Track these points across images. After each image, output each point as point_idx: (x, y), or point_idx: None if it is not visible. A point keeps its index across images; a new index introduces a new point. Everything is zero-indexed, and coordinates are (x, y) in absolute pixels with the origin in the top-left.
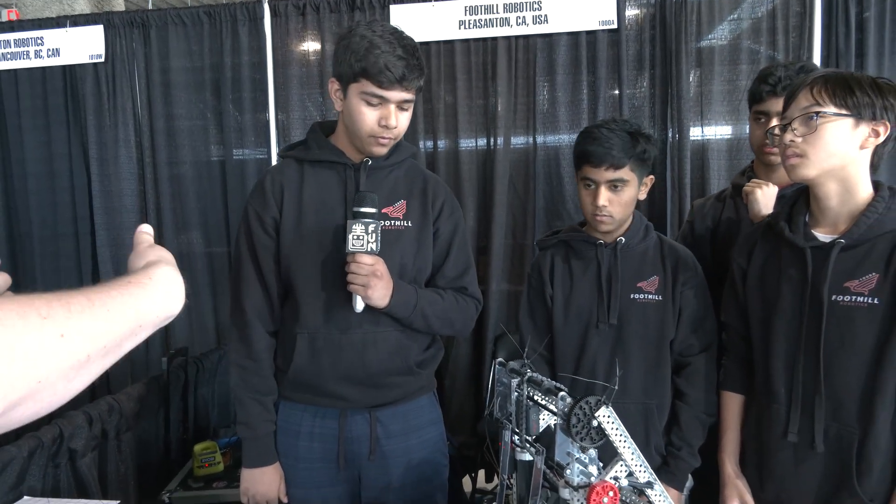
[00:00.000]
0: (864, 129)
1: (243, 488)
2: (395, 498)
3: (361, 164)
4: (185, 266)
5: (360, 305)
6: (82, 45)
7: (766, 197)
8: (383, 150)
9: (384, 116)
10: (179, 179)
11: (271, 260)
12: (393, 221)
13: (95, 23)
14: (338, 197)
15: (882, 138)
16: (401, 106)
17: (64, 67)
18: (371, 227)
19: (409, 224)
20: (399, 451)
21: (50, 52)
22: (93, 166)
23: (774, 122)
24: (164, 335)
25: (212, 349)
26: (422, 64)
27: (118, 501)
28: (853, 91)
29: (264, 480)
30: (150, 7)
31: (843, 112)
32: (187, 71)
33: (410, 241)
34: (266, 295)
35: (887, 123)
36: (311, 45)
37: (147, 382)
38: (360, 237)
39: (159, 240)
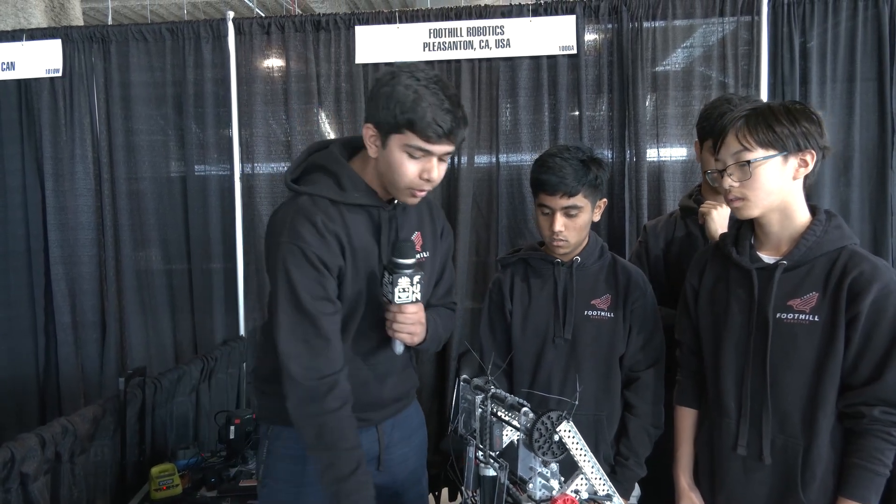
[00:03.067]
0: (793, 161)
1: None
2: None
3: (395, 206)
4: (144, 284)
5: (399, 349)
6: (39, 59)
7: (721, 217)
8: (416, 201)
9: (426, 170)
10: (138, 195)
11: (340, 307)
12: (416, 255)
13: (53, 37)
14: (371, 239)
15: (811, 167)
16: (441, 157)
17: (19, 81)
18: (416, 279)
19: (427, 255)
20: (399, 459)
21: (4, 66)
22: (47, 182)
23: None
24: (120, 354)
25: (170, 369)
26: (465, 114)
27: None
28: (773, 128)
29: None
30: (109, 22)
31: (771, 152)
32: (148, 86)
33: (430, 271)
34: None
35: (812, 151)
36: (275, 63)
37: (103, 403)
38: (406, 289)
39: (116, 257)
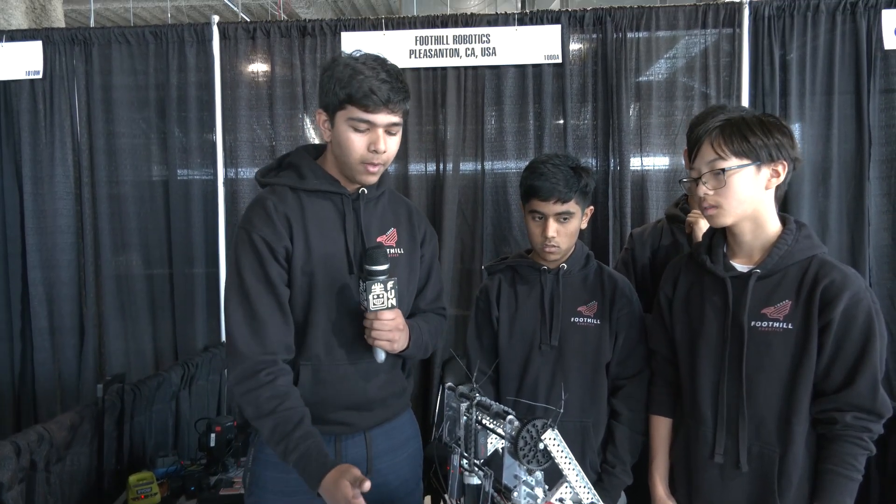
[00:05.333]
0: (766, 171)
1: None
2: None
3: (359, 194)
4: (123, 289)
5: (381, 356)
6: (18, 61)
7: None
8: (373, 178)
9: (373, 141)
10: (119, 199)
11: (287, 291)
12: (388, 250)
13: (34, 38)
14: (337, 227)
15: (782, 177)
16: (388, 130)
17: None
18: (390, 284)
19: (402, 252)
20: (388, 469)
21: None
22: (26, 185)
23: None
24: (98, 361)
25: (150, 375)
26: (406, 87)
27: None
28: (747, 138)
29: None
30: (92, 25)
31: (745, 162)
32: (130, 89)
33: (403, 268)
34: (287, 329)
35: (784, 162)
36: (260, 68)
37: (80, 410)
38: (381, 295)
39: (95, 262)
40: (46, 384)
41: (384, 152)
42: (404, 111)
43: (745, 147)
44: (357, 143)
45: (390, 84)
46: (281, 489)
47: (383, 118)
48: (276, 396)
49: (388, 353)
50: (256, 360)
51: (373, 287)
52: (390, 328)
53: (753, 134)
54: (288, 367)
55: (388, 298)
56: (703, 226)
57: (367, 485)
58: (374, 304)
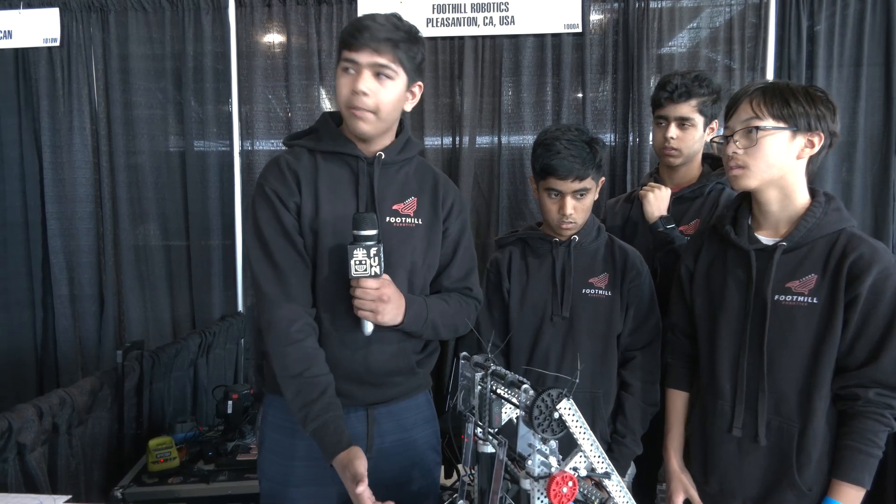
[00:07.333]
0: (801, 139)
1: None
2: (388, 496)
3: (375, 158)
4: (142, 259)
5: (368, 328)
6: (36, 28)
7: (658, 199)
8: (363, 125)
9: (354, 80)
10: (137, 169)
11: (301, 240)
12: (403, 218)
13: (51, 5)
14: (350, 190)
15: (816, 149)
16: (377, 73)
17: (16, 51)
18: (373, 251)
19: (420, 222)
20: (395, 449)
21: (2, 34)
22: (45, 154)
23: (673, 125)
24: (117, 328)
25: (168, 343)
26: (388, 28)
27: (69, 497)
28: (788, 103)
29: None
30: None
31: (781, 125)
32: (147, 58)
33: (420, 239)
34: (310, 277)
35: (821, 134)
36: (276, 38)
37: (100, 376)
38: (363, 262)
39: (114, 231)
40: (68, 350)
41: (365, 95)
42: (397, 57)
43: (784, 111)
44: (343, 84)
45: (373, 21)
46: (283, 452)
47: (364, 57)
48: (303, 359)
49: (394, 328)
50: (286, 309)
51: (355, 252)
52: (372, 297)
53: (796, 100)
54: (315, 324)
55: (371, 266)
56: (651, 199)
57: (362, 488)
58: (355, 271)
